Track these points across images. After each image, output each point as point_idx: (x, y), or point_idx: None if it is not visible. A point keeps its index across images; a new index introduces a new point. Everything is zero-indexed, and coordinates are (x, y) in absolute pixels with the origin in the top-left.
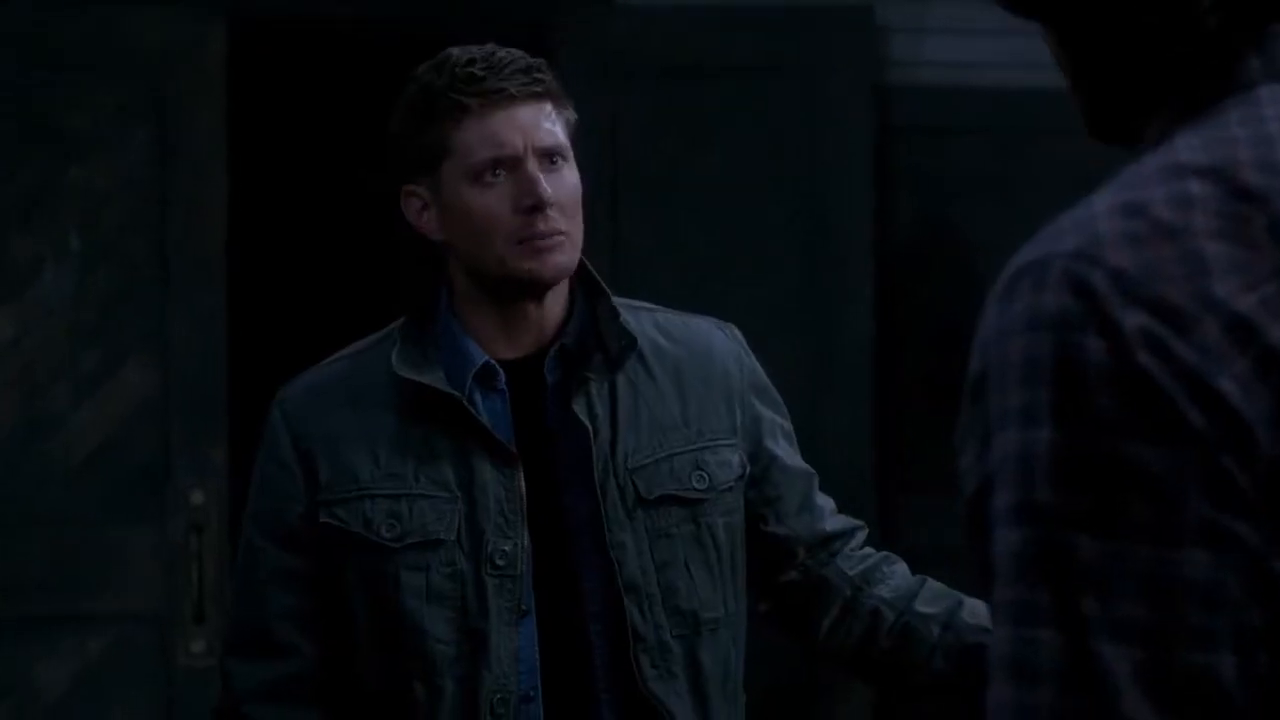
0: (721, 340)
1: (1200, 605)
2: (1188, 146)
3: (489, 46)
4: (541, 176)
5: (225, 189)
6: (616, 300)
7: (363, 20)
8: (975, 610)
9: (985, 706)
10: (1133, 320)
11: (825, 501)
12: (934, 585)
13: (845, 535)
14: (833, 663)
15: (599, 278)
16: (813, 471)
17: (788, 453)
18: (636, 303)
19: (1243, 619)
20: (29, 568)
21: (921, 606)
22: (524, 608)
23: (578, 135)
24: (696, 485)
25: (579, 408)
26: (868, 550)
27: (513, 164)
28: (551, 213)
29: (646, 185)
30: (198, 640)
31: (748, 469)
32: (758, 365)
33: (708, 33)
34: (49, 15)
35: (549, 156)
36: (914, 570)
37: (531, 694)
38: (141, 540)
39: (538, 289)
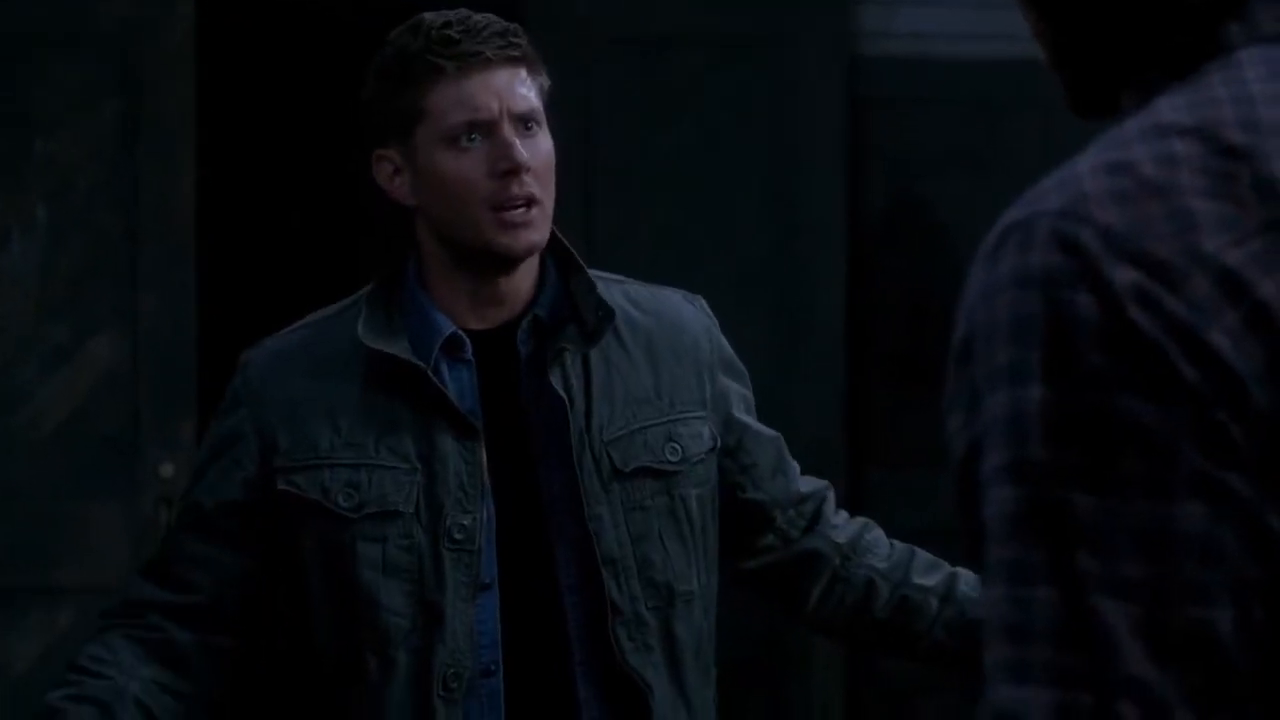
0: (691, 313)
1: (1197, 559)
2: (1170, 107)
3: (462, 11)
4: (517, 141)
5: (194, 162)
6: (590, 273)
7: None
8: (971, 581)
9: (982, 669)
10: (1123, 276)
11: (794, 463)
12: (923, 555)
13: (817, 495)
14: (822, 631)
15: (571, 249)
16: (779, 435)
17: (754, 421)
18: (605, 274)
19: (1239, 573)
20: None
21: (917, 578)
22: (485, 581)
23: (552, 109)
24: (670, 457)
25: (555, 379)
26: (845, 515)
27: (488, 128)
28: (527, 178)
29: (617, 157)
30: None
31: (719, 441)
32: (724, 339)
33: (679, 4)
34: None
35: (524, 122)
36: None
37: (492, 668)
38: (110, 513)
39: (507, 263)
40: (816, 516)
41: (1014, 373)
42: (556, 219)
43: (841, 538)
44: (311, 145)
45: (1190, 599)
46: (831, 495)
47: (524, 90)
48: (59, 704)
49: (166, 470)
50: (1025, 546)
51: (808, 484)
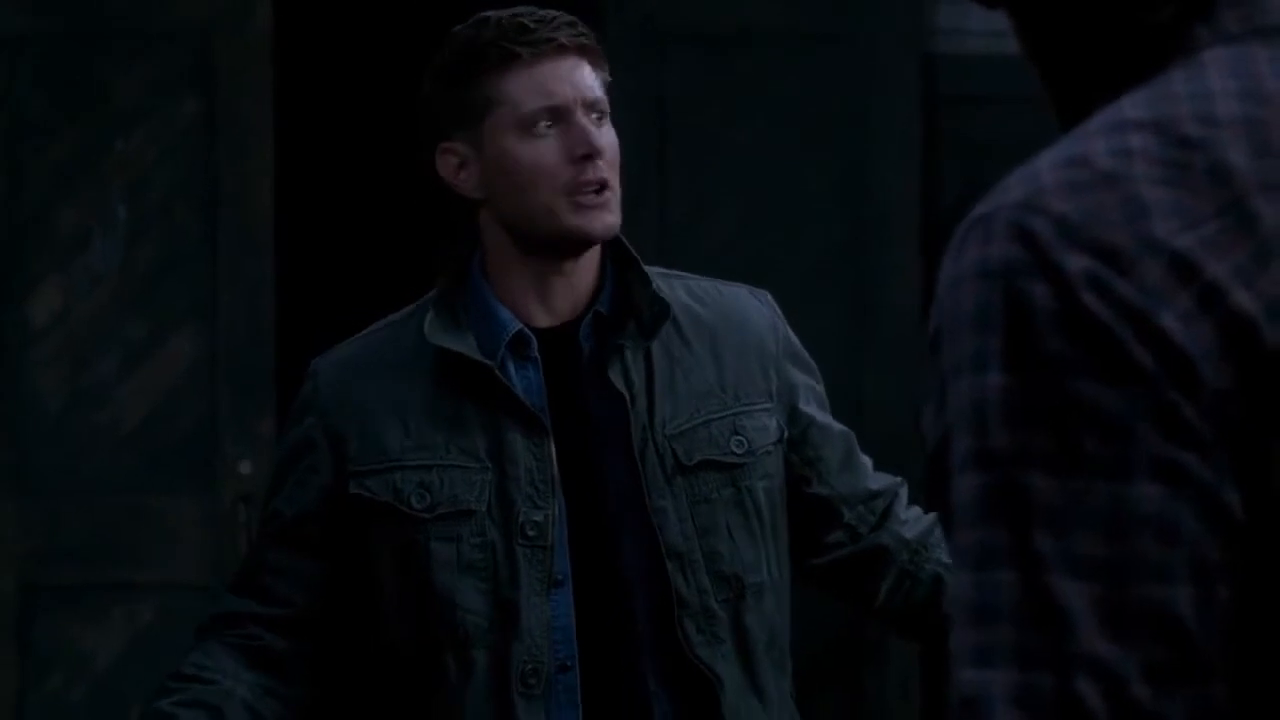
0: (756, 306)
1: (1155, 538)
2: (1131, 104)
3: (530, 6)
4: (592, 127)
5: (272, 158)
6: (649, 269)
7: None
8: None
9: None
10: (1075, 263)
11: (865, 460)
12: None
13: (889, 492)
14: (893, 627)
15: (628, 244)
16: (850, 431)
17: (823, 415)
18: (669, 271)
19: (1199, 552)
20: (77, 538)
21: None
22: (558, 577)
23: (624, 101)
24: (735, 450)
25: (614, 375)
26: (917, 510)
27: (563, 114)
28: (601, 163)
29: (692, 153)
30: None
31: (785, 433)
32: (791, 332)
33: (752, 0)
34: None
35: (594, 110)
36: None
37: (569, 664)
38: (189, 510)
39: (582, 247)
40: (887, 513)
41: (975, 361)
42: (631, 213)
43: (911, 533)
44: (389, 140)
45: (1148, 578)
46: (904, 491)
47: (592, 81)
48: (169, 709)
49: (245, 467)
50: (988, 530)
51: (879, 480)
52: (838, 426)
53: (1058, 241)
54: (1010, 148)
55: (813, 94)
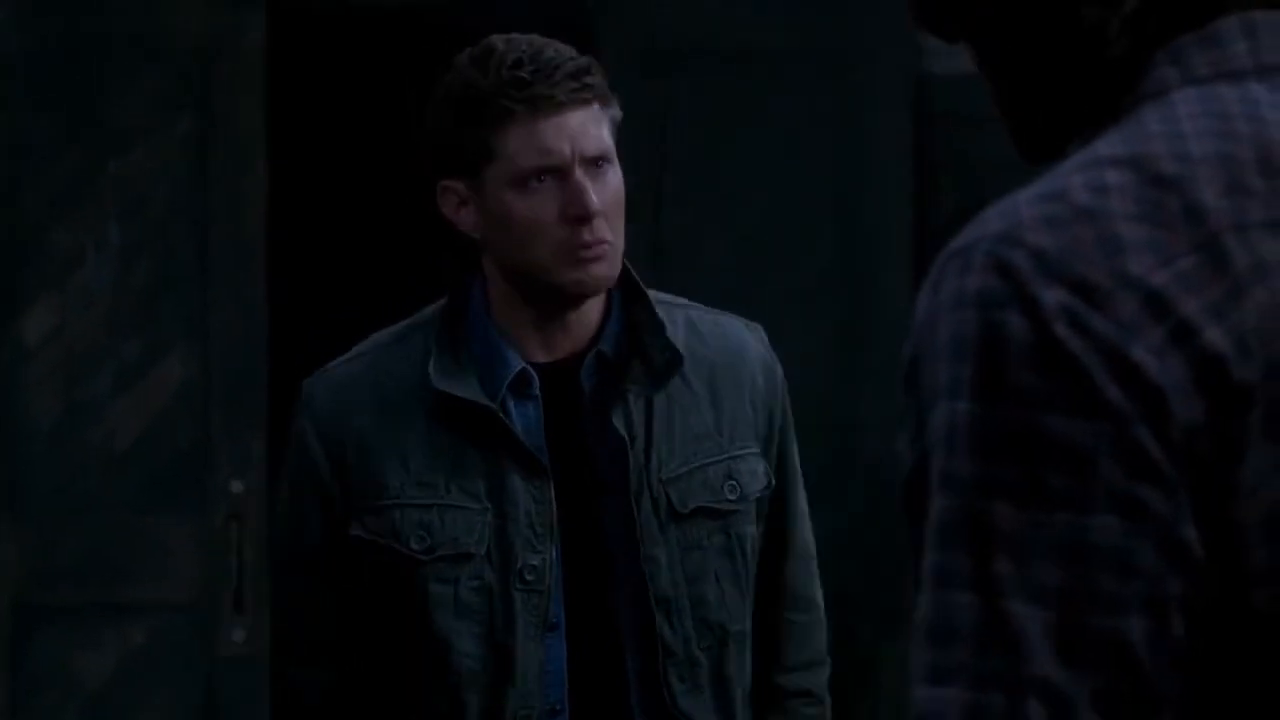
0: (752, 344)
1: (1111, 571)
2: (1106, 144)
3: (535, 41)
4: (589, 186)
5: (266, 178)
6: (651, 295)
7: (404, 8)
8: None
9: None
10: (1052, 297)
11: (808, 560)
12: None
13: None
14: None
15: (639, 280)
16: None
17: (798, 485)
18: (667, 297)
19: (1156, 586)
20: (70, 557)
21: None
22: (552, 621)
23: (624, 122)
24: (729, 496)
25: (617, 418)
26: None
27: (559, 172)
28: (597, 223)
29: (687, 171)
30: (237, 630)
31: (772, 480)
32: (783, 378)
33: (749, 20)
34: (92, 7)
35: (595, 162)
36: None
37: (559, 708)
38: (182, 530)
39: (578, 299)
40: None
41: (950, 389)
42: (628, 232)
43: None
44: (382, 161)
45: (1102, 608)
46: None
47: (595, 130)
48: None
49: (237, 486)
50: (951, 554)
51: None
52: (802, 505)
53: (1035, 274)
54: (1003, 168)
55: (806, 114)
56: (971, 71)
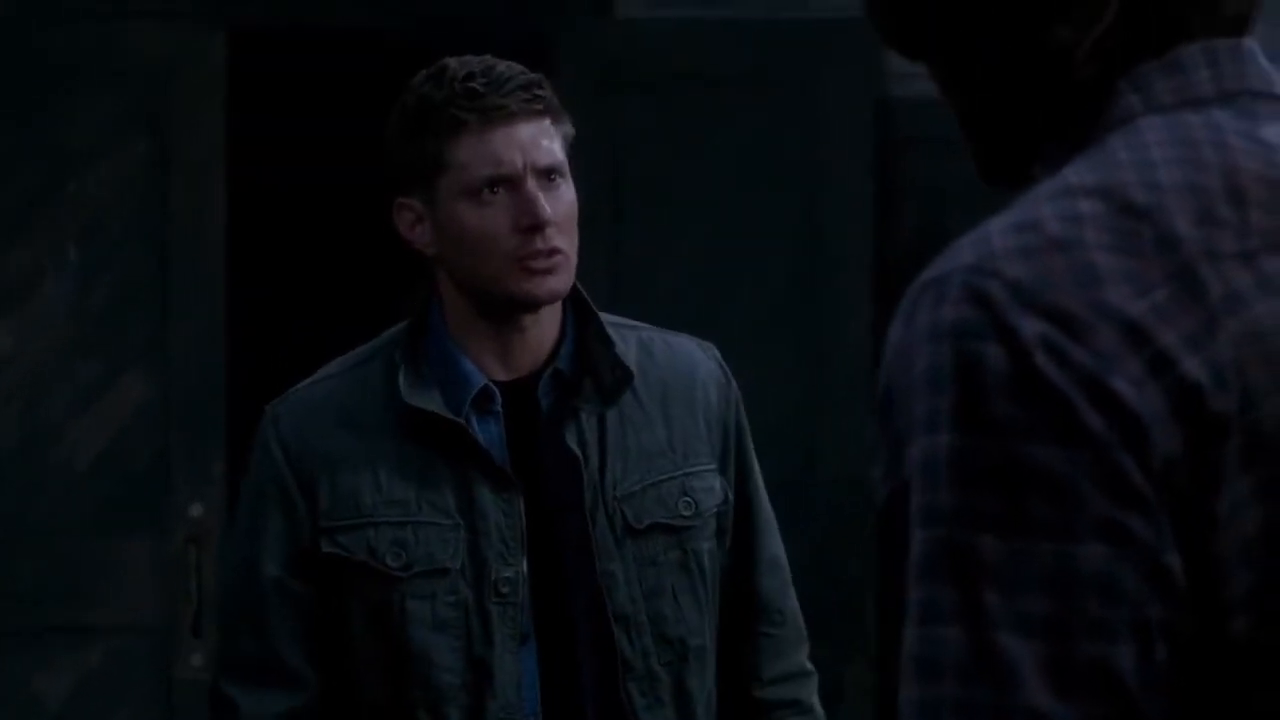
0: (704, 363)
1: (1098, 598)
2: (1075, 172)
3: (487, 59)
4: (540, 195)
5: (225, 199)
6: (604, 317)
7: (361, 31)
8: None
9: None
10: (1030, 327)
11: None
12: None
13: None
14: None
15: (588, 299)
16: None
17: (761, 498)
18: (620, 320)
19: (1141, 611)
20: (28, 578)
21: None
22: (525, 634)
23: (579, 145)
24: (684, 512)
25: (569, 436)
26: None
27: (511, 182)
28: (550, 232)
29: (647, 195)
30: (196, 653)
31: (730, 496)
32: (738, 394)
33: (709, 44)
34: (50, 27)
35: (547, 174)
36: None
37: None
38: (140, 552)
39: (531, 310)
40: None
41: (928, 421)
42: (588, 256)
43: (762, 692)
44: (342, 182)
45: (1091, 636)
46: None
47: (547, 143)
48: None
49: (196, 509)
50: (936, 587)
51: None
52: (768, 515)
53: (1012, 304)
54: (963, 192)
55: (766, 137)
56: (933, 96)
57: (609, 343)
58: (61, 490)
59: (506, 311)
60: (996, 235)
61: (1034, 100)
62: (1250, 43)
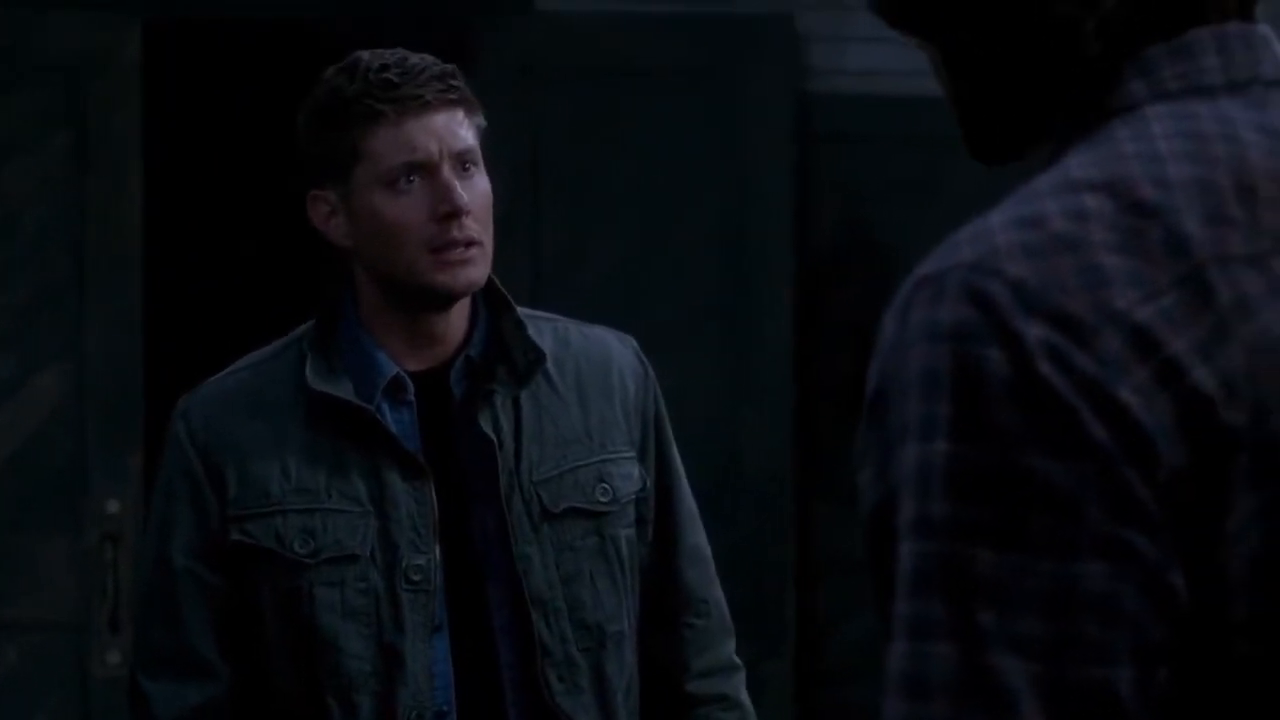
0: (620, 351)
1: (1098, 618)
2: (1079, 164)
3: (399, 52)
4: (456, 183)
5: (142, 194)
6: (520, 310)
7: (280, 22)
8: None
9: None
10: (1034, 331)
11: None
12: None
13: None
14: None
15: (502, 287)
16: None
17: (682, 488)
18: (536, 312)
19: (1141, 633)
20: None
21: None
22: (437, 622)
23: (499, 138)
24: (600, 498)
25: (484, 421)
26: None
27: (427, 170)
28: (466, 220)
29: (566, 189)
30: (113, 650)
31: (648, 484)
32: (656, 384)
33: (629, 38)
34: None
35: (462, 162)
36: (834, 577)
37: (445, 709)
38: (57, 549)
39: (446, 302)
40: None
41: (923, 427)
42: (507, 249)
43: (693, 684)
44: (259, 176)
45: (1090, 658)
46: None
47: (462, 131)
48: None
49: (112, 506)
50: (926, 602)
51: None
52: (691, 509)
53: (1015, 307)
54: (884, 188)
55: (688, 132)
56: (853, 91)
57: (522, 326)
58: None
59: (421, 303)
60: (999, 230)
61: (1038, 78)
62: (1265, 29)
